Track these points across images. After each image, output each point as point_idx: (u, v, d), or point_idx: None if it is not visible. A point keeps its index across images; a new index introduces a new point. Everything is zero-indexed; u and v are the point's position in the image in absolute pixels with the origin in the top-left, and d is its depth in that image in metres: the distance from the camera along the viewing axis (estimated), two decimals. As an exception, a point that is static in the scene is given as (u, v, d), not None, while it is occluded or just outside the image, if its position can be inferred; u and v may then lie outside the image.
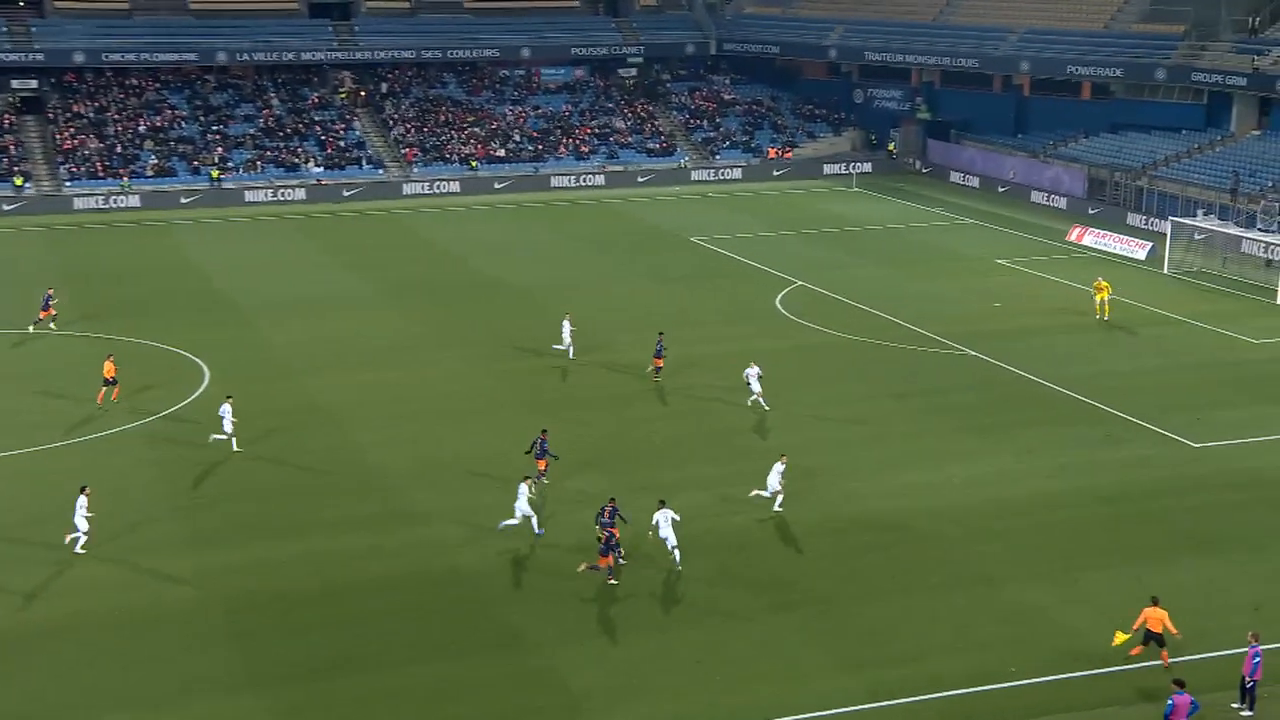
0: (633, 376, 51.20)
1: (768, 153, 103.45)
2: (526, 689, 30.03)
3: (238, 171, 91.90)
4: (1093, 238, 77.45)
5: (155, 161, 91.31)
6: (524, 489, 37.24)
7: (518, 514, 37.01)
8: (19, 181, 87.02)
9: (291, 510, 39.02)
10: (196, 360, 52.92)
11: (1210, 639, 31.99)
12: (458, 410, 47.75)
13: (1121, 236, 76.83)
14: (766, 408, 47.39)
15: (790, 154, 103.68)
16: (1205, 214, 74.56)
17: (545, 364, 53.22)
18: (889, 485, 41.16)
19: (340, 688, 30.00)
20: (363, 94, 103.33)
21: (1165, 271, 70.30)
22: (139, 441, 44.34)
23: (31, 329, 57.28)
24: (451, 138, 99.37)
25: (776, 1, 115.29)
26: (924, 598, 34.11)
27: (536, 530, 37.30)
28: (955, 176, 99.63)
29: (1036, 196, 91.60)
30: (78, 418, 46.29)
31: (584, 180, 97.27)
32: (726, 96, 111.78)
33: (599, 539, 35.11)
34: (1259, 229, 72.31)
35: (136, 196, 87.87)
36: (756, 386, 47.24)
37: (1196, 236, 71.98)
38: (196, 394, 49.17)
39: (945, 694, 29.84)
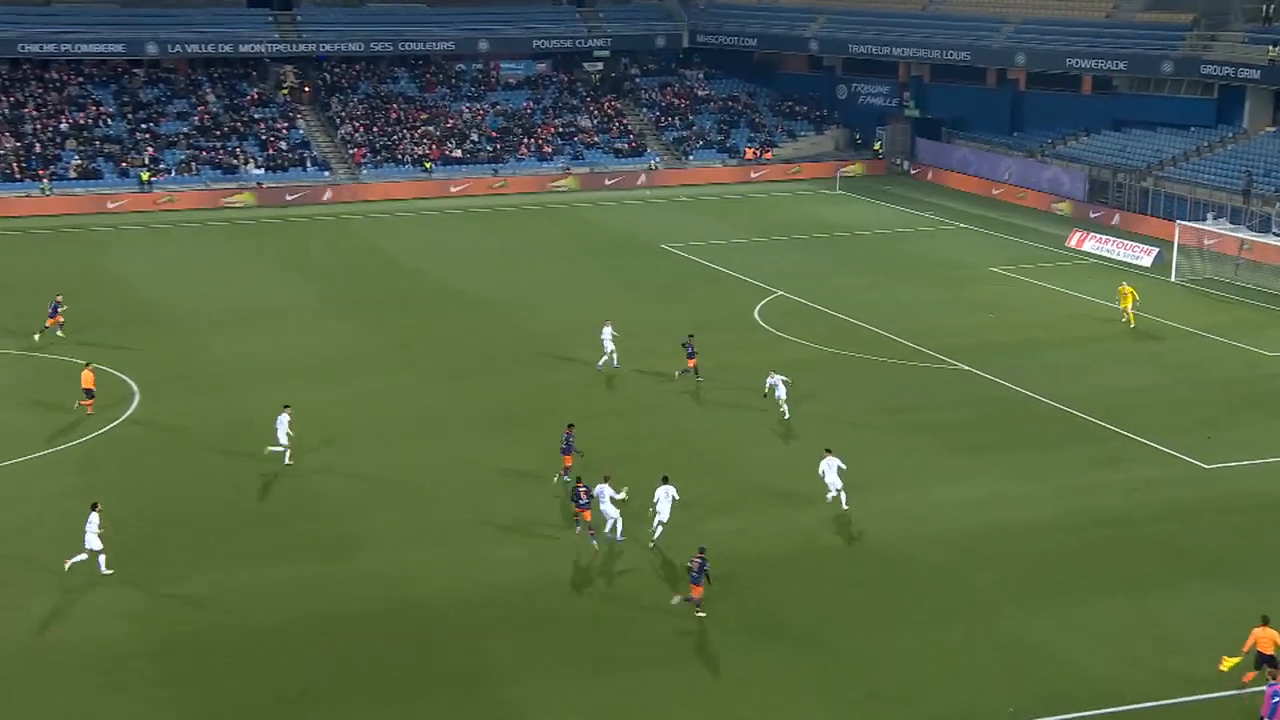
0: (599, 391, 51.15)
1: (745, 153, 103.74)
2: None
3: (170, 174, 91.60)
4: (1094, 243, 77.89)
5: (79, 162, 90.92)
6: (606, 490, 38.48)
7: (608, 518, 38.41)
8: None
9: (234, 539, 38.77)
10: (124, 378, 52.60)
11: (1225, 675, 32.06)
12: (413, 429, 47.63)
13: (1125, 242, 77.29)
14: (786, 415, 48.30)
15: (769, 154, 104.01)
16: (1216, 217, 74.99)
17: (507, 379, 53.13)
18: (876, 509, 41.19)
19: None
20: (307, 90, 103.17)
21: (1173, 279, 70.71)
22: (69, 466, 44.11)
23: (37, 337, 57.76)
24: (403, 137, 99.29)
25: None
26: (915, 629, 34.11)
27: (618, 537, 38.35)
28: (946, 178, 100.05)
29: (1034, 199, 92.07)
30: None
31: (548, 183, 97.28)
32: (700, 92, 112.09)
33: (689, 568, 35.00)
34: (1274, 233, 72.77)
35: (59, 199, 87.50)
36: (782, 392, 48.33)
37: (1206, 242, 72.48)
38: (126, 414, 48.89)
39: (937, 734, 29.90)
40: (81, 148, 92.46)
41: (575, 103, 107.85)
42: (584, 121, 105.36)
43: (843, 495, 40.92)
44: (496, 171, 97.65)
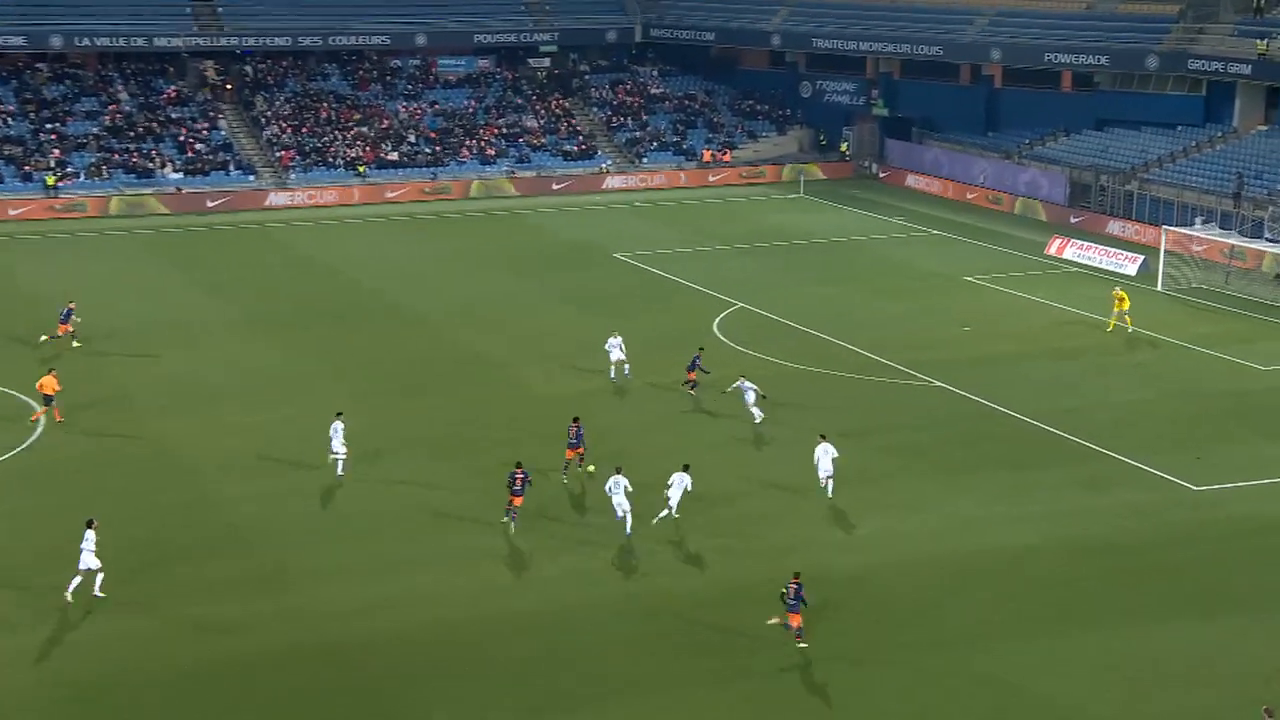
0: (549, 412, 50.84)
1: (702, 155, 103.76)
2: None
3: (79, 178, 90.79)
4: (1075, 250, 78.19)
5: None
6: (622, 481, 40.50)
7: (620, 511, 40.45)
8: None
9: (158, 573, 38.19)
10: (29, 401, 51.93)
11: (1217, 714, 31.99)
12: (347, 456, 47.09)
13: (1108, 249, 77.63)
14: (757, 419, 49.56)
15: (728, 156, 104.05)
16: (1204, 222, 75.42)
17: (448, 400, 52.82)
18: (843, 536, 41.12)
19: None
20: (229, 87, 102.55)
21: (1159, 288, 71.03)
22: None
23: (43, 338, 58.98)
24: (335, 139, 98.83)
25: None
26: (885, 665, 33.92)
27: (626, 531, 40.33)
28: (917, 181, 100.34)
29: (1010, 204, 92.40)
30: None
31: (490, 187, 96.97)
32: (654, 91, 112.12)
33: (782, 594, 34.87)
34: (1267, 239, 73.21)
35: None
36: (751, 398, 49.62)
37: (1195, 248, 72.84)
38: (29, 442, 48.25)
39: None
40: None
41: (520, 102, 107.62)
42: (530, 122, 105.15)
43: (830, 484, 43.08)
44: (436, 175, 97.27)
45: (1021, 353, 59.97)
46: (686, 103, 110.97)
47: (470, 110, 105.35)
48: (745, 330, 62.78)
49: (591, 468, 43.10)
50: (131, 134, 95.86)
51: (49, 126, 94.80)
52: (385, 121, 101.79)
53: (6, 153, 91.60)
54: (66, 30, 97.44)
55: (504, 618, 36.09)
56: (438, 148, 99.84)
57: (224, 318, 64.59)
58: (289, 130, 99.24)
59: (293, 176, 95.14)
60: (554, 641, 35.07)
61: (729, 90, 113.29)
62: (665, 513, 40.95)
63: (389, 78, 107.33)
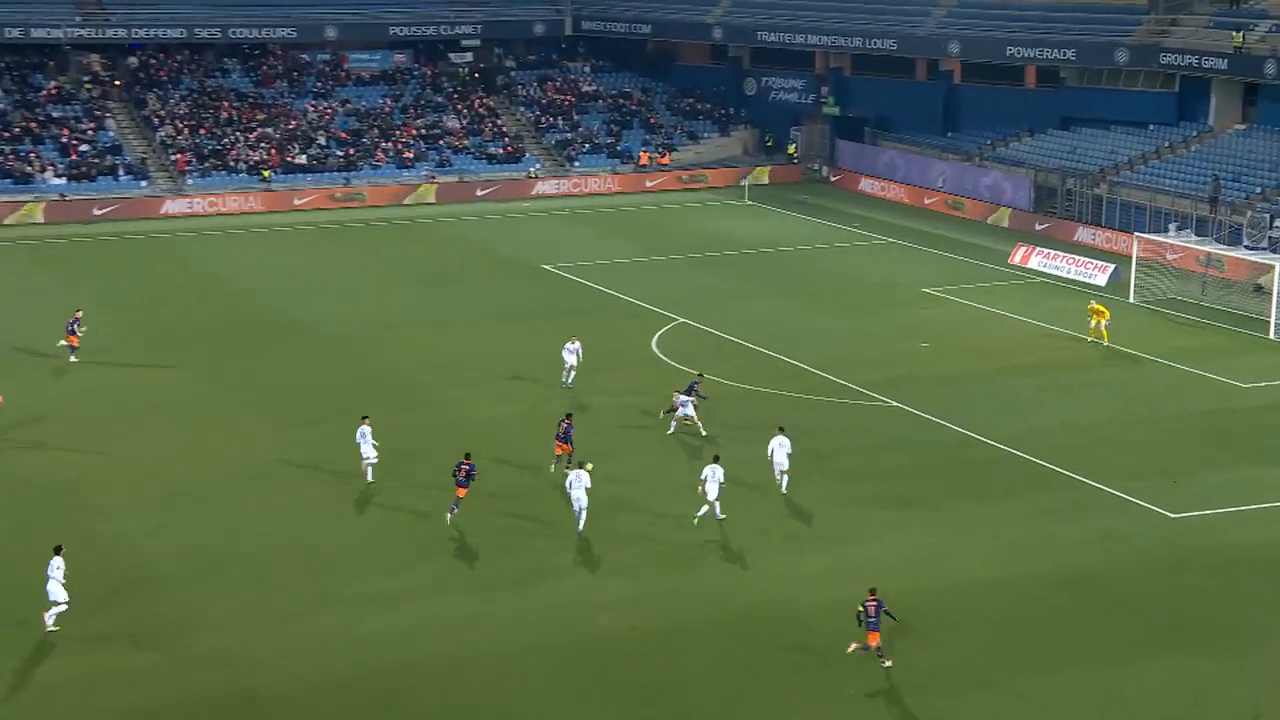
0: (474, 438, 50.51)
1: (639, 158, 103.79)
2: None
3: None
4: (1041, 259, 78.61)
5: None
6: (584, 475, 42.71)
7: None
8: None
9: (36, 623, 37.66)
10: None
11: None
12: (254, 487, 46.89)
13: (1076, 257, 78.06)
14: (703, 432, 50.75)
15: (667, 159, 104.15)
16: (1179, 228, 75.97)
17: (350, 426, 52.35)
18: (788, 571, 40.98)
19: None
20: (117, 84, 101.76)
21: (1131, 300, 71.47)
22: None
23: (72, 359, 59.63)
24: (236, 141, 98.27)
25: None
26: (836, 713, 33.78)
27: (579, 529, 42.75)
28: (871, 185, 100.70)
29: (971, 209, 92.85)
30: None
31: (408, 194, 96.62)
32: (586, 88, 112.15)
33: (858, 615, 35.19)
34: (1245, 246, 73.83)
35: None
36: (691, 411, 50.77)
37: (1169, 256, 73.35)
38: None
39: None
40: None
41: (440, 100, 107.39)
42: (451, 122, 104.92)
43: (785, 479, 45.51)
44: (348, 181, 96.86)
45: (984, 370, 60.15)
46: (621, 101, 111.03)
47: (385, 110, 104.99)
48: (686, 348, 62.65)
49: (590, 465, 44.31)
50: (7, 135, 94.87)
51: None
52: (292, 122, 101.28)
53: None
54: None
55: (441, 658, 35.77)
56: (350, 151, 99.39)
57: (116, 337, 63.91)
58: (185, 131, 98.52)
59: (190, 182, 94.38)
60: (488, 691, 34.79)
61: (667, 88, 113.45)
62: (705, 510, 43.23)
63: (296, 74, 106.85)
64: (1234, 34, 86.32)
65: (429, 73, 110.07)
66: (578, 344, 56.63)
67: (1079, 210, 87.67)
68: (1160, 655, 36.71)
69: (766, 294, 72.78)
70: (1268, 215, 75.71)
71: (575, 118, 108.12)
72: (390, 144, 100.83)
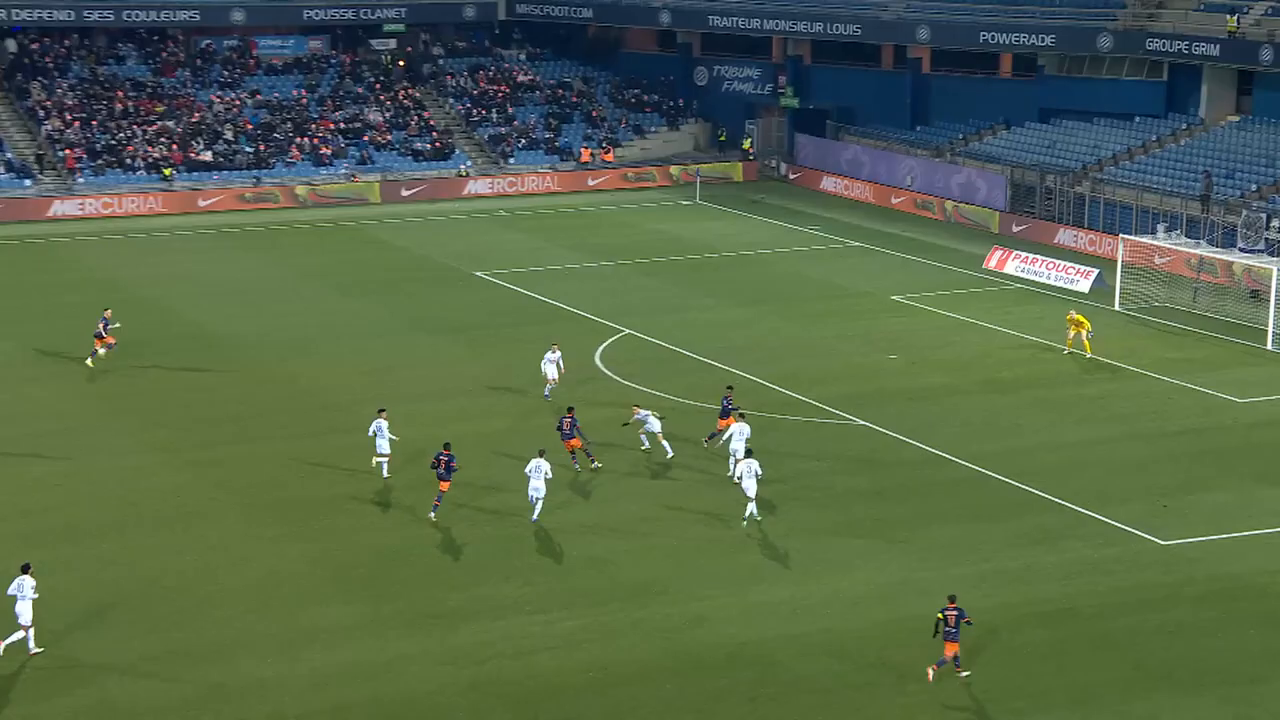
0: (401, 458, 50.47)
1: (580, 154, 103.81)
2: None
3: None
4: (1018, 264, 78.92)
5: None
6: (543, 465, 45.32)
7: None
8: None
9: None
10: None
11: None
12: (147, 518, 46.66)
13: (1056, 261, 78.38)
14: (669, 453, 51.24)
15: (611, 155, 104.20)
16: (1168, 230, 76.36)
17: (273, 450, 52.38)
18: (746, 604, 41.00)
19: None
20: None
21: (1117, 308, 71.85)
22: None
23: (89, 362, 60.87)
24: (133, 135, 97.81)
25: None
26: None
27: (534, 516, 45.41)
28: (833, 183, 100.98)
29: (942, 209, 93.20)
30: None
31: (326, 193, 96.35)
32: (522, 78, 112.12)
33: (936, 625, 36.31)
34: (1240, 249, 74.21)
35: None
36: (656, 426, 51.54)
37: (1157, 260, 73.77)
38: None
39: None
40: None
41: (361, 91, 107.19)
42: (373, 115, 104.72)
43: (740, 466, 47.15)
44: (259, 180, 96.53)
45: (957, 385, 60.41)
46: (560, 93, 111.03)
47: (300, 101, 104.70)
48: (633, 361, 62.66)
49: (597, 464, 49.00)
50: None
51: None
52: (195, 115, 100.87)
53: None
54: None
55: (382, 701, 35.73)
56: (261, 146, 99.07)
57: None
58: (75, 125, 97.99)
59: (81, 181, 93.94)
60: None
61: (611, 78, 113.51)
62: (752, 508, 45.74)
63: (199, 61, 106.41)
64: (1227, 18, 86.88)
65: (348, 61, 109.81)
66: (558, 353, 57.11)
67: (1059, 210, 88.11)
68: (1149, 696, 36.85)
69: (720, 303, 72.89)
70: (1264, 215, 75.93)
71: (510, 110, 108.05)
72: (306, 139, 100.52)
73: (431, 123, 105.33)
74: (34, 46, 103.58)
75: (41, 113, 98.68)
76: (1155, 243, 74.33)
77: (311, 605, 40.86)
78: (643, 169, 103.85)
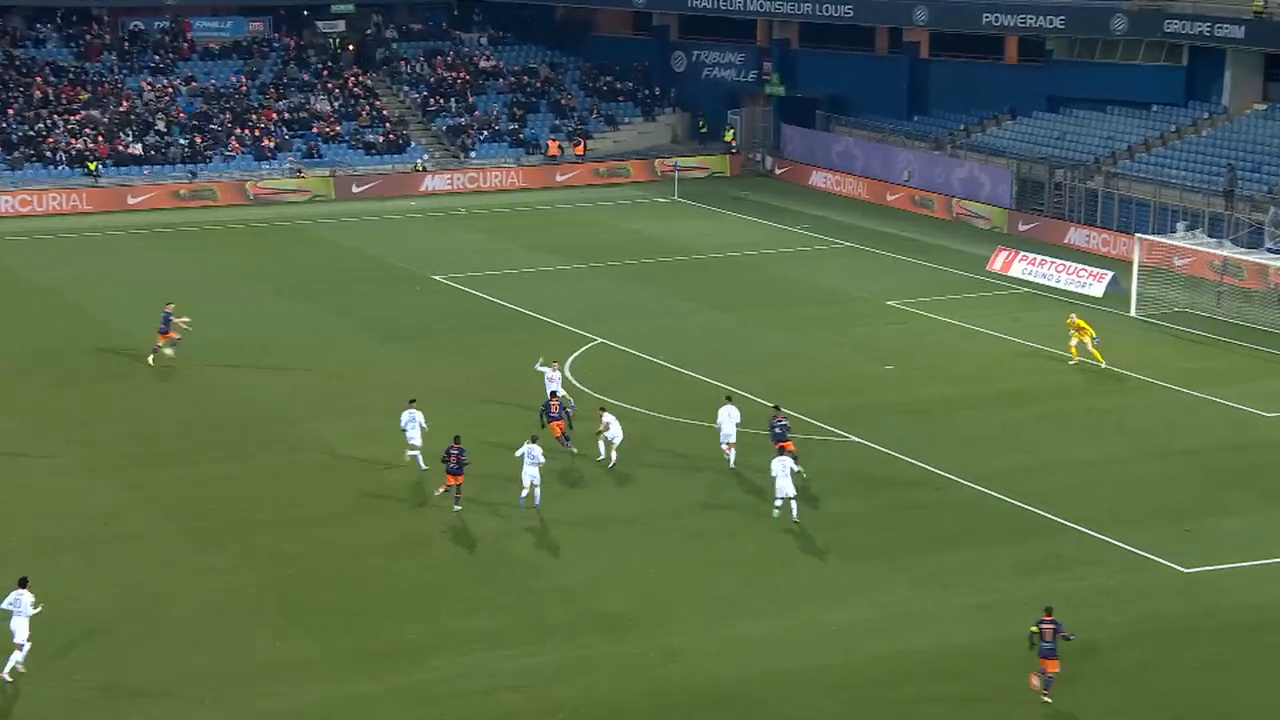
0: (353, 483, 50.48)
1: (548, 147, 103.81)
2: None
3: None
4: (1025, 265, 79.01)
5: None
6: (535, 451, 48.14)
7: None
8: None
9: None
10: None
11: None
12: (73, 543, 46.49)
13: (1067, 263, 78.46)
14: (613, 461, 52.35)
15: (581, 148, 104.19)
16: (1188, 228, 76.46)
17: (212, 469, 52.42)
18: (730, 638, 40.91)
19: None
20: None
21: (1133, 313, 72.01)
22: None
23: (151, 360, 62.37)
24: (54, 126, 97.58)
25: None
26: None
27: (536, 503, 48.32)
28: (823, 179, 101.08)
29: (943, 207, 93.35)
30: None
31: (269, 190, 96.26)
32: (484, 64, 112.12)
33: (1034, 635, 36.83)
34: (1267, 249, 74.21)
35: None
36: (616, 434, 52.61)
37: (1177, 262, 73.87)
38: None
39: None
40: None
41: (307, 78, 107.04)
42: (321, 104, 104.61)
43: (733, 453, 51.62)
44: (194, 175, 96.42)
45: (960, 398, 60.49)
46: (526, 80, 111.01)
47: (240, 89, 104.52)
48: (605, 371, 62.70)
49: (574, 449, 52.07)
50: None
51: None
52: (124, 103, 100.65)
53: None
54: None
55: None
56: (196, 138, 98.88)
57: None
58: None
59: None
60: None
61: (580, 63, 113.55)
62: (789, 506, 47.81)
63: (127, 44, 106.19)
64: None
65: (292, 44, 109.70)
66: (557, 371, 56.86)
67: (1070, 207, 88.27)
68: (1171, 735, 37.04)
69: (700, 308, 72.96)
70: (1292, 212, 76.32)
71: (470, 99, 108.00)
72: (246, 131, 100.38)
73: (385, 113, 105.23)
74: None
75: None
76: (1174, 243, 74.39)
77: (260, 640, 40.69)
78: (615, 163, 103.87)
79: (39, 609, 38.45)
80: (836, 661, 39.92)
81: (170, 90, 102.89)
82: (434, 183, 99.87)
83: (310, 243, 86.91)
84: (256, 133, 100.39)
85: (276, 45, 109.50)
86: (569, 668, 39.47)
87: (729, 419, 52.04)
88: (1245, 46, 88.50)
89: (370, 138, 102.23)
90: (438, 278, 78.13)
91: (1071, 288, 76.03)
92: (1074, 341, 63.73)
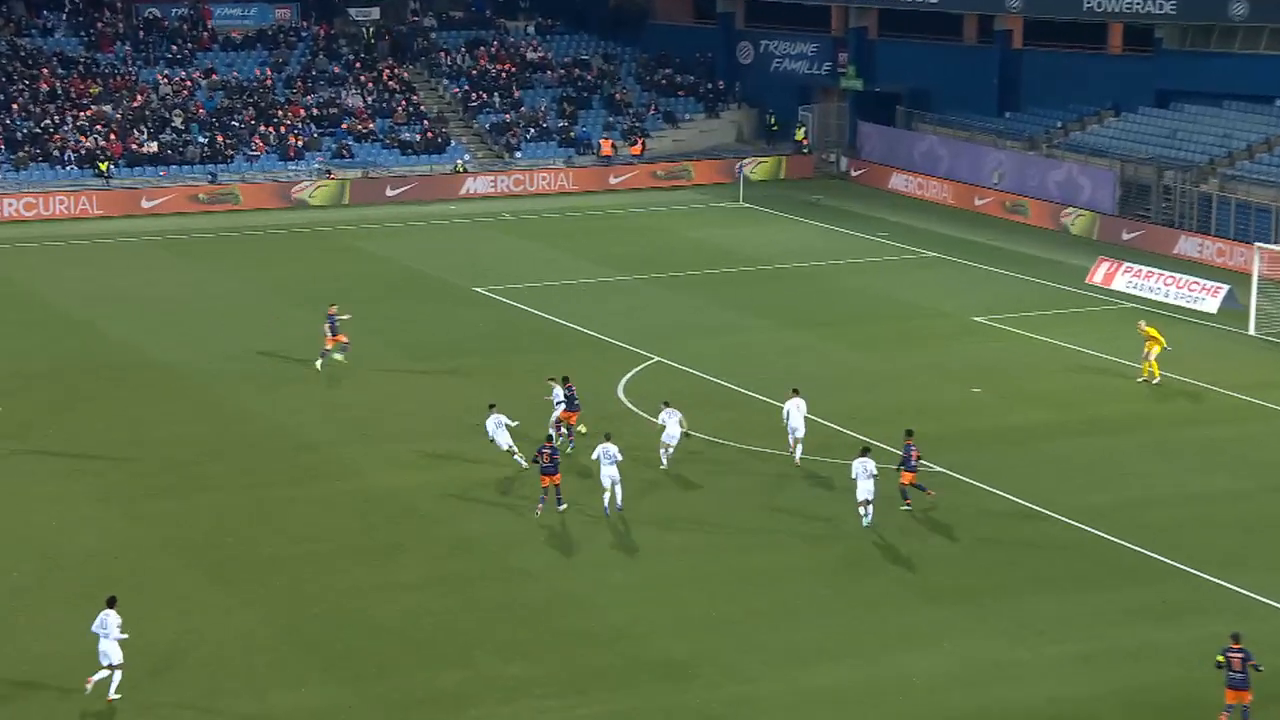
0: (385, 516, 50.46)
1: (600, 147, 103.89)
2: None
3: None
4: (1129, 278, 78.74)
5: None
6: (612, 450, 50.29)
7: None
8: None
9: None
10: None
11: None
12: (74, 580, 46.48)
13: (1176, 276, 78.23)
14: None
15: (638, 148, 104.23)
16: (1313, 237, 76.41)
17: (237, 501, 52.47)
18: (801, 688, 40.81)
19: None
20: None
21: (1251, 332, 71.74)
22: None
23: (319, 365, 65.00)
24: (62, 122, 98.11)
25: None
26: None
27: (617, 505, 50.57)
28: (903, 181, 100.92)
29: (1038, 213, 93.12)
30: None
31: (295, 193, 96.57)
32: (531, 55, 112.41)
33: (1221, 664, 37.09)
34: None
35: None
36: (676, 433, 54.80)
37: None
38: None
39: None
40: None
41: (338, 70, 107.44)
42: (352, 99, 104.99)
43: (800, 448, 54.72)
44: (215, 177, 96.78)
45: (1056, 424, 60.25)
46: (577, 72, 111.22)
47: (264, 82, 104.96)
48: (663, 394, 62.38)
49: (583, 428, 53.76)
50: None
51: None
52: (138, 97, 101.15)
53: None
54: None
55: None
56: (218, 137, 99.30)
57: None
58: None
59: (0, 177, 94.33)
60: None
61: (637, 54, 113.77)
62: (864, 513, 50.06)
63: (142, 33, 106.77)
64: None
65: (322, 33, 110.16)
66: (561, 389, 56.98)
67: (1180, 213, 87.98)
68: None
69: (768, 324, 72.97)
70: None
71: (516, 94, 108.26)
72: (271, 128, 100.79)
73: (422, 109, 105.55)
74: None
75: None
76: (1297, 253, 74.34)
77: (278, 687, 40.70)
78: (675, 164, 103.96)
79: (125, 635, 39.57)
80: (917, 714, 39.69)
81: (189, 84, 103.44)
82: (475, 185, 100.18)
83: (340, 252, 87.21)
84: (282, 130, 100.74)
85: (304, 34, 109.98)
86: (621, 711, 39.35)
87: (798, 411, 54.63)
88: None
89: (406, 136, 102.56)
90: (479, 290, 78.18)
91: (1182, 303, 75.78)
92: (1151, 351, 63.25)
